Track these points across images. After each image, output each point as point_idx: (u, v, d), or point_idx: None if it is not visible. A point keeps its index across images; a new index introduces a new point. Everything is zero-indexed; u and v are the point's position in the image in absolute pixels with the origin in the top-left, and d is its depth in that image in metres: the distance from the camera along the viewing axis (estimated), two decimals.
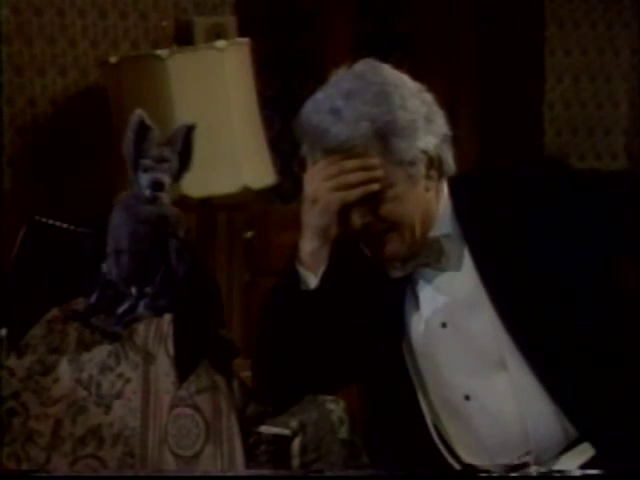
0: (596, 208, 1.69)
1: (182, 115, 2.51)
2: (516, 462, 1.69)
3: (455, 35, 3.36)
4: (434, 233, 1.72)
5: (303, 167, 1.74)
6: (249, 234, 3.01)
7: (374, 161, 1.68)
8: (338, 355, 1.74)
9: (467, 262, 1.71)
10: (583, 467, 1.67)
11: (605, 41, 3.36)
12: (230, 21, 2.82)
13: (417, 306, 1.72)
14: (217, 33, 2.75)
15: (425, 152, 1.69)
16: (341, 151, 1.68)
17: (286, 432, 1.90)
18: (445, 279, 1.71)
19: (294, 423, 1.89)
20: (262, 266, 3.09)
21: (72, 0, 2.76)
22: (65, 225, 2.02)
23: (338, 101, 1.69)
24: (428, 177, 1.70)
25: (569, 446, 1.69)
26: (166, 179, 1.91)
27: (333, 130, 1.68)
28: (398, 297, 1.73)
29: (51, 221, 2.04)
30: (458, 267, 1.71)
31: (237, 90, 2.64)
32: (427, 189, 1.71)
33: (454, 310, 1.70)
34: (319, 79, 3.29)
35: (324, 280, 1.72)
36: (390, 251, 1.71)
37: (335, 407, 1.93)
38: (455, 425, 1.71)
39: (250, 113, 2.68)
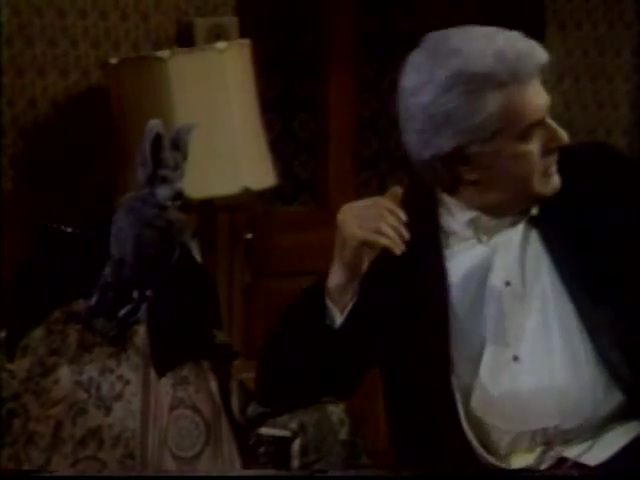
0: None
1: (183, 116, 2.51)
2: (542, 425, 1.67)
3: None
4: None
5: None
6: (250, 235, 3.02)
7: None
8: (353, 364, 1.74)
9: (532, 227, 1.71)
10: (620, 452, 1.67)
11: (606, 42, 3.36)
12: (231, 22, 2.82)
13: (486, 266, 1.71)
14: (218, 34, 2.75)
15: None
16: (536, 68, 1.67)
17: (286, 433, 1.90)
18: (514, 238, 1.72)
19: (294, 424, 1.90)
20: (263, 267, 3.09)
21: (73, 1, 2.76)
22: (67, 227, 2.02)
23: (504, 34, 1.69)
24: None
25: (604, 425, 1.69)
26: (182, 186, 1.91)
27: (540, 50, 1.68)
28: (439, 267, 1.71)
29: (55, 224, 2.05)
30: (528, 230, 1.71)
31: (238, 91, 2.64)
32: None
33: (518, 270, 1.71)
34: (320, 80, 3.29)
35: (349, 318, 1.70)
36: (555, 184, 1.70)
37: (335, 408, 1.93)
38: (496, 387, 1.69)
39: (251, 114, 2.68)
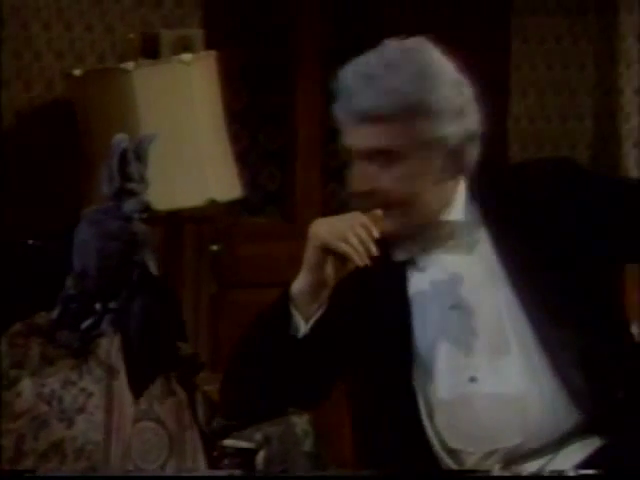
0: (612, 210, 1.70)
1: (148, 128, 2.50)
2: (507, 444, 1.67)
3: None
4: (445, 217, 1.72)
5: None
6: (216, 247, 3.01)
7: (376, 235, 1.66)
8: (318, 376, 1.73)
9: (482, 245, 1.71)
10: (580, 465, 1.66)
11: (570, 56, 3.40)
12: (197, 34, 2.82)
13: (427, 290, 1.72)
14: (184, 46, 2.75)
15: (445, 140, 1.69)
16: (368, 118, 1.68)
17: (251, 445, 1.90)
18: (456, 262, 1.72)
19: (258, 436, 1.90)
20: (229, 279, 3.09)
21: (37, 12, 2.75)
22: (29, 240, 2.01)
23: (376, 68, 1.71)
24: (444, 167, 1.70)
25: (564, 440, 1.69)
26: (148, 198, 1.91)
27: (363, 95, 1.68)
28: (402, 289, 1.71)
29: (16, 237, 2.03)
30: (470, 251, 1.71)
31: (204, 103, 2.65)
32: (442, 176, 1.71)
33: (464, 292, 1.71)
34: (287, 92, 3.30)
35: (315, 329, 1.69)
36: (389, 227, 1.69)
37: (299, 420, 1.94)
38: (453, 409, 1.69)
39: (217, 126, 2.68)
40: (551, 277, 1.70)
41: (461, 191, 1.73)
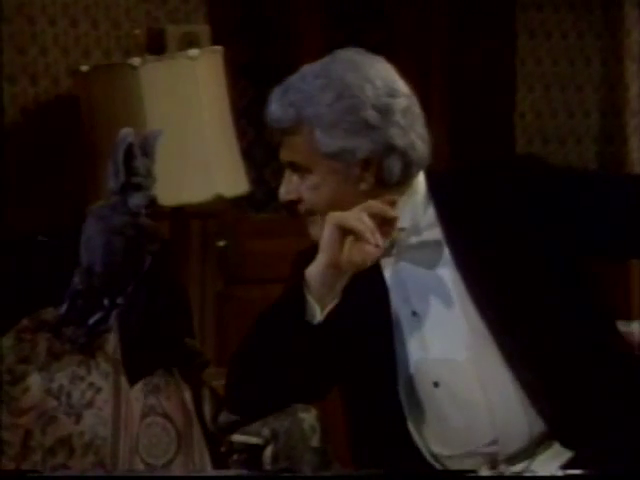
0: (567, 207, 1.71)
1: (154, 124, 2.50)
2: (483, 450, 1.69)
3: (426, 46, 3.37)
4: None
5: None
6: (222, 242, 3.01)
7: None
8: (325, 369, 1.74)
9: (438, 250, 1.73)
10: (563, 467, 1.67)
11: (576, 51, 3.39)
12: (203, 30, 2.82)
13: (389, 296, 1.74)
14: (189, 42, 2.75)
15: (352, 153, 1.71)
16: (278, 131, 1.74)
17: (258, 441, 1.90)
18: (418, 270, 1.73)
19: (266, 432, 1.89)
20: (235, 274, 3.09)
21: (43, 8, 2.75)
22: (36, 235, 2.02)
23: (291, 82, 1.75)
24: (362, 178, 1.73)
25: (540, 443, 1.69)
26: (155, 193, 1.91)
27: (272, 107, 1.74)
28: (371, 291, 1.74)
29: (24, 232, 2.03)
30: (424, 257, 1.72)
31: (210, 99, 2.64)
32: (362, 188, 1.73)
33: (424, 299, 1.72)
34: None
35: (329, 320, 1.70)
36: (311, 234, 1.74)
37: (307, 415, 1.93)
38: (424, 414, 1.72)
39: (223, 122, 2.68)
40: (509, 280, 1.70)
41: (407, 200, 1.73)
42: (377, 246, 1.67)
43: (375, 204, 1.70)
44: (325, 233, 1.70)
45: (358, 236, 1.68)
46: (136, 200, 1.90)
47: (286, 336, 1.71)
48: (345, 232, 1.69)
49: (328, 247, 1.69)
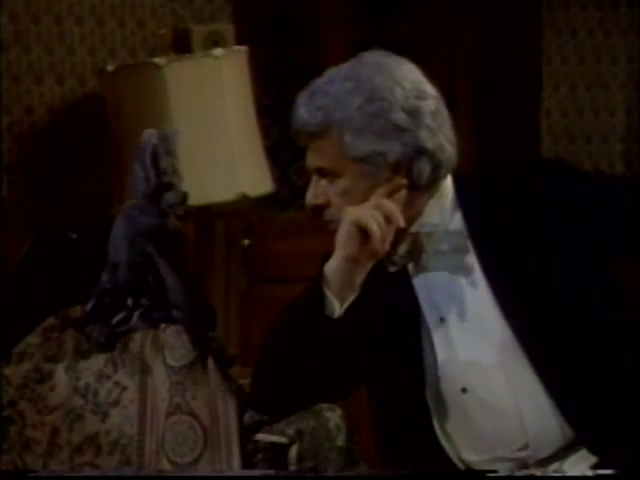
0: (596, 209, 1.70)
1: (179, 123, 2.51)
2: (513, 455, 1.68)
3: (453, 44, 3.36)
4: (415, 229, 1.73)
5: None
6: (246, 242, 3.02)
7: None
8: (350, 368, 1.74)
9: (467, 255, 1.71)
10: (593, 468, 1.67)
11: (602, 49, 3.37)
12: (228, 29, 2.82)
13: (417, 302, 1.73)
14: (214, 41, 2.76)
15: (383, 156, 1.70)
16: (305, 135, 1.72)
17: (283, 440, 1.90)
18: (446, 275, 1.72)
19: (291, 431, 1.89)
20: (259, 273, 3.09)
21: (70, 8, 2.76)
22: (66, 233, 2.02)
23: (319, 85, 1.73)
24: (392, 181, 1.72)
25: (572, 446, 1.69)
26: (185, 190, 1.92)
27: (299, 111, 1.72)
28: (399, 295, 1.73)
29: (54, 230, 2.04)
30: (454, 261, 1.71)
31: (234, 98, 2.65)
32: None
33: (453, 306, 1.71)
34: None
35: (348, 314, 1.70)
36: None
37: (332, 415, 1.93)
38: (452, 419, 1.71)
39: (247, 121, 2.68)
40: (538, 287, 1.69)
41: (435, 203, 1.73)
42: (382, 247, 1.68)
43: (389, 206, 1.68)
44: (341, 229, 1.70)
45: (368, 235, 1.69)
46: (170, 199, 1.91)
47: (307, 332, 1.71)
48: (361, 227, 1.70)
49: (345, 242, 1.70)
